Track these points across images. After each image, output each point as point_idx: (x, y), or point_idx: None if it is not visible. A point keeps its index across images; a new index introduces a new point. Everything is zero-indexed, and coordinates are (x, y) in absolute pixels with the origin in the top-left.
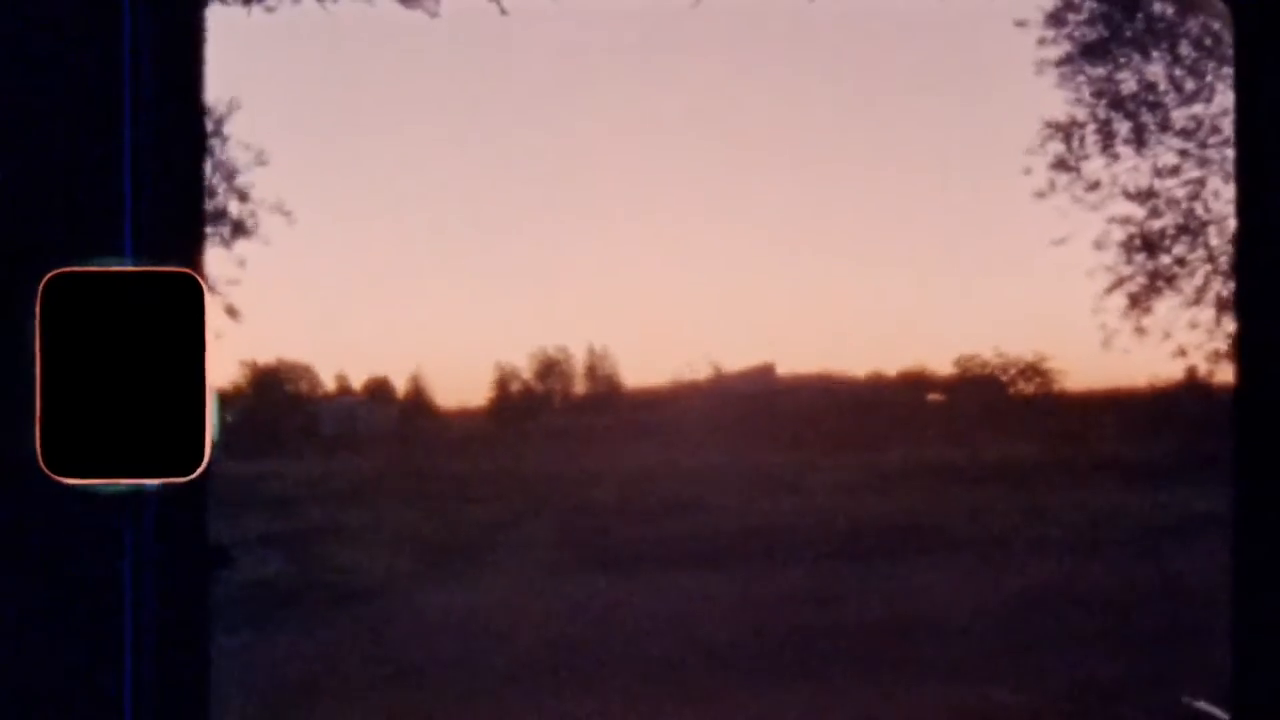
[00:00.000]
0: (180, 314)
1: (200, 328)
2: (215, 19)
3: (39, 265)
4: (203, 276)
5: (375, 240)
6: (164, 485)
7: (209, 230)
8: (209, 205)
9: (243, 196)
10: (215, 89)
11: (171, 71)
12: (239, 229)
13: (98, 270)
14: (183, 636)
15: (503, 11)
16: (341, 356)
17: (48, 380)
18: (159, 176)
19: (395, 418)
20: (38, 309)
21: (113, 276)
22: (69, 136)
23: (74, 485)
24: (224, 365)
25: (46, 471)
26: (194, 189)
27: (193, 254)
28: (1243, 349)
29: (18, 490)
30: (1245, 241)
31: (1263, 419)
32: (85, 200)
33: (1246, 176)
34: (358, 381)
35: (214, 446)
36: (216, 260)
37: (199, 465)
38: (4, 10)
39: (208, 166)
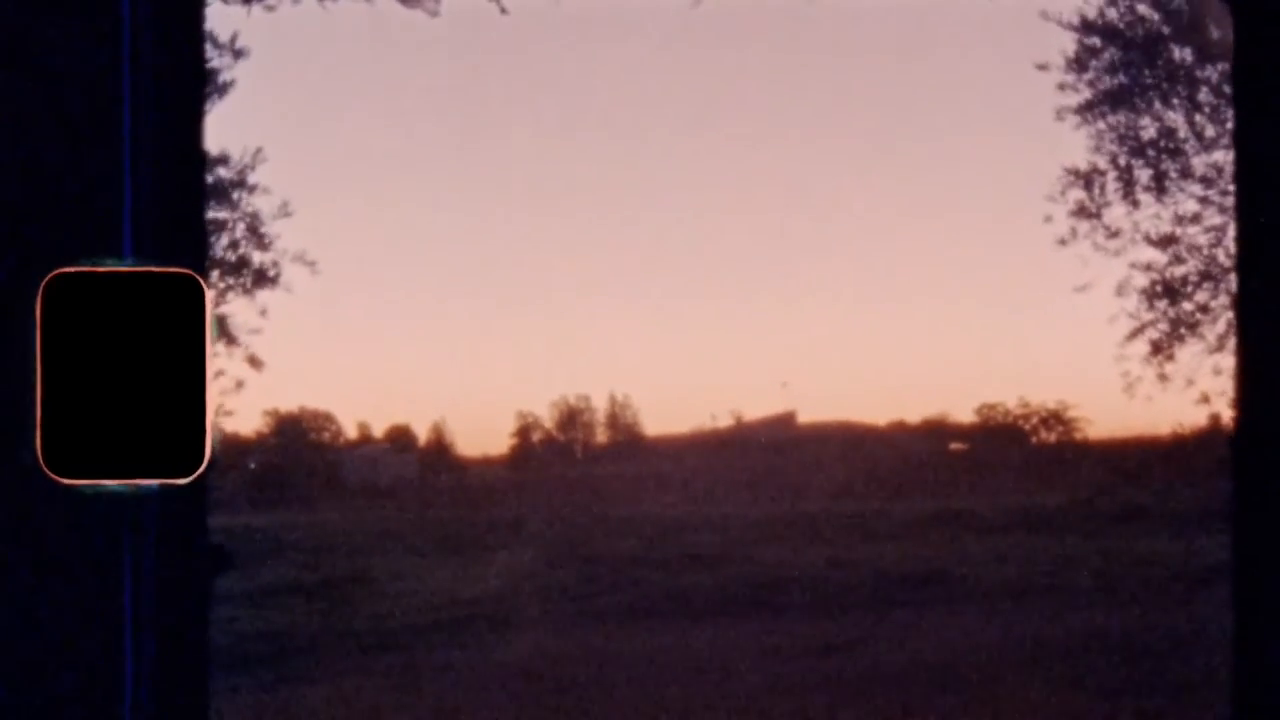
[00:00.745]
0: (181, 314)
1: (201, 328)
2: (244, 71)
3: (39, 265)
4: (204, 277)
5: (398, 290)
6: (164, 486)
7: (232, 280)
8: (232, 255)
9: (265, 245)
10: (240, 140)
11: (171, 71)
12: (261, 278)
13: (98, 270)
14: (182, 636)
15: (503, 11)
16: (364, 405)
17: (48, 381)
18: (159, 177)
19: (417, 466)
20: (38, 309)
21: (113, 276)
22: (69, 137)
23: (74, 486)
24: (248, 414)
25: (47, 472)
26: (194, 190)
27: (194, 254)
28: (1243, 357)
29: (18, 491)
30: (1246, 241)
31: (1263, 458)
32: (85, 200)
33: (1247, 176)
34: (380, 429)
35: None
36: (240, 309)
37: (199, 466)
38: (4, 12)
39: (232, 216)
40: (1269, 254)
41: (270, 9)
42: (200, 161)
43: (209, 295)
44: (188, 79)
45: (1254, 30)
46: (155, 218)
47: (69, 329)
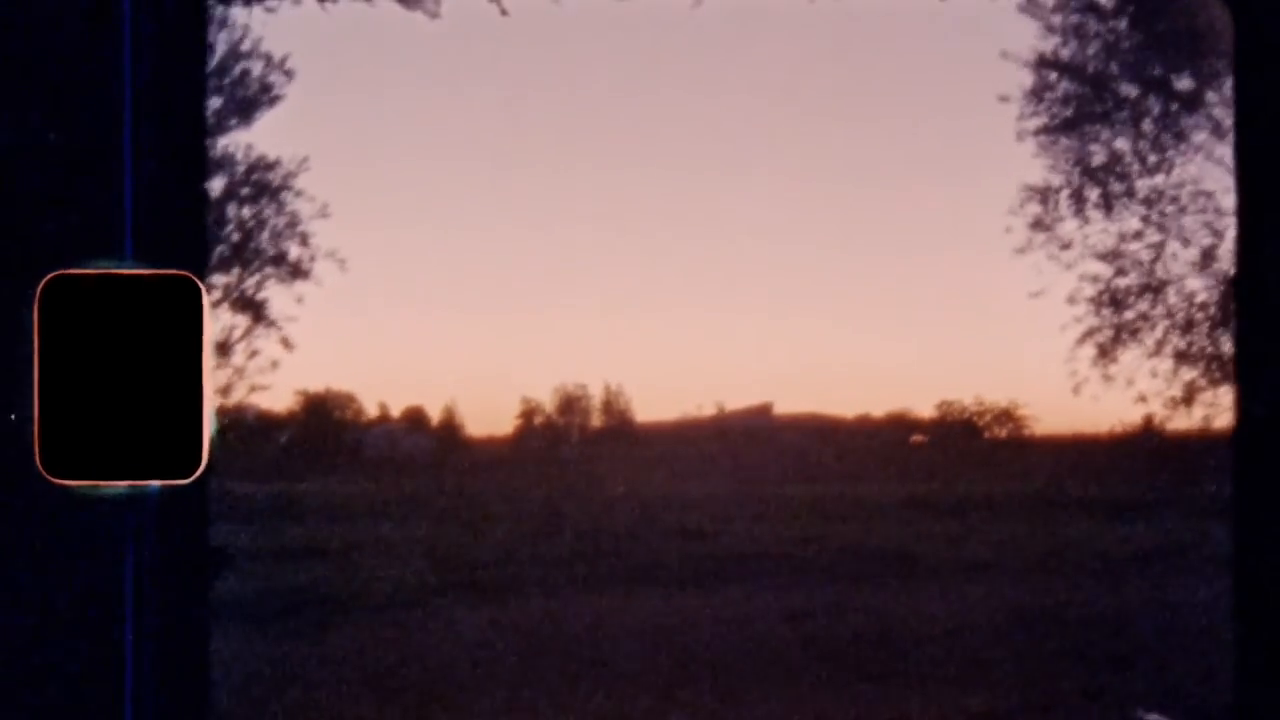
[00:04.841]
0: (179, 316)
1: (199, 330)
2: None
3: (38, 267)
4: (202, 279)
5: (415, 283)
6: (163, 488)
7: (271, 271)
8: (272, 249)
9: (304, 242)
10: (286, 146)
11: (172, 70)
12: (297, 271)
13: (96, 272)
14: (183, 637)
15: (503, 12)
16: (383, 387)
17: (46, 382)
18: (159, 178)
19: (430, 444)
20: (36, 311)
21: (111, 278)
22: (69, 137)
23: (73, 488)
24: (280, 393)
25: (45, 474)
26: (194, 191)
27: (193, 257)
28: (1242, 366)
29: (17, 492)
30: (1247, 241)
31: (1261, 447)
32: (84, 202)
33: (1247, 176)
34: (397, 410)
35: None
36: (277, 297)
37: (198, 467)
38: (4, 11)
39: (276, 215)
40: (1268, 254)
41: (270, 10)
42: (201, 162)
43: (206, 297)
44: (189, 79)
45: (1254, 30)
46: (155, 219)
47: (67, 331)
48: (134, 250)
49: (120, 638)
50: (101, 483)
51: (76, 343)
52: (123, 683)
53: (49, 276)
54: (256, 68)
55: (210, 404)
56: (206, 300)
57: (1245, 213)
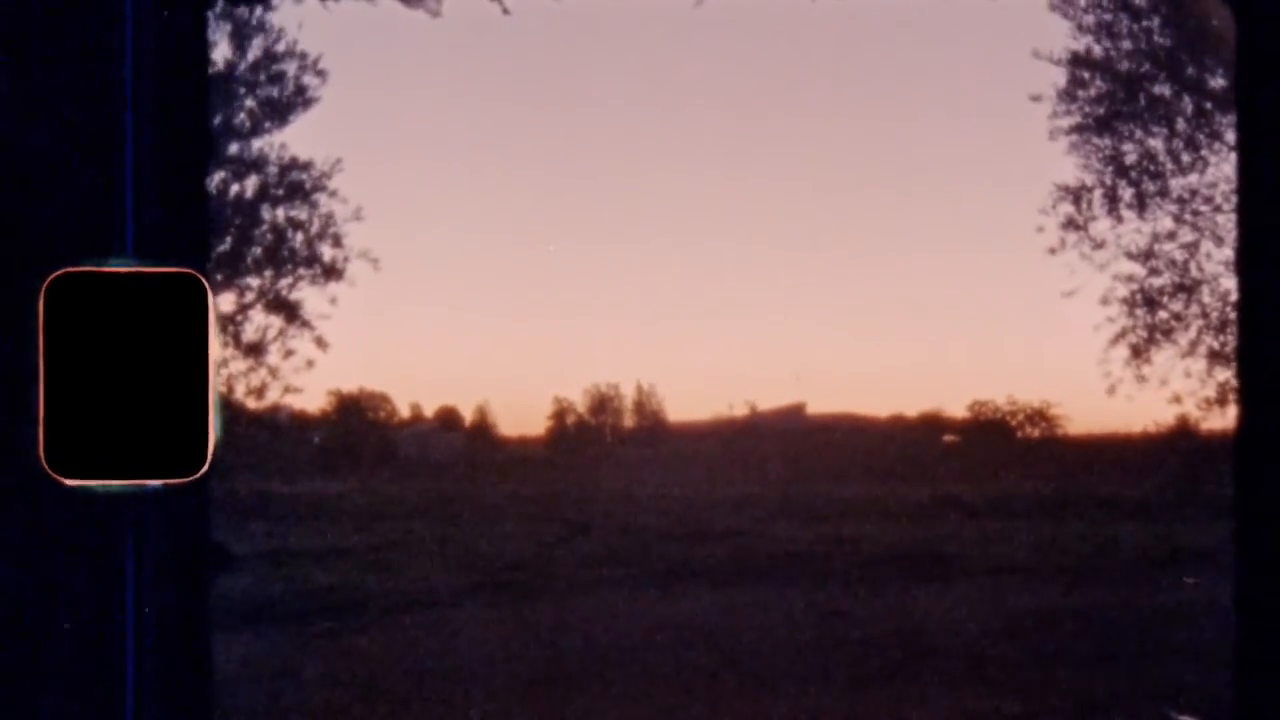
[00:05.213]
0: (183, 314)
1: (203, 328)
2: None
3: (42, 266)
4: (205, 277)
5: (449, 285)
6: (166, 486)
7: (304, 273)
8: (305, 250)
9: (338, 243)
10: (321, 149)
11: (174, 71)
12: (331, 271)
13: (101, 270)
14: (184, 635)
15: (505, 11)
16: (416, 387)
17: (51, 380)
18: (162, 177)
19: (463, 444)
20: (41, 309)
21: (116, 277)
22: (71, 137)
23: (77, 485)
24: (315, 394)
25: (49, 472)
26: (196, 189)
27: (196, 254)
28: (1243, 360)
29: (20, 490)
30: (1248, 242)
31: (1263, 454)
32: (88, 200)
33: (1248, 176)
34: (430, 410)
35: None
36: (311, 296)
37: (202, 466)
38: (5, 11)
39: (310, 216)
40: (1270, 254)
41: (271, 9)
42: (203, 161)
43: (211, 295)
44: (190, 78)
45: (1254, 30)
46: (158, 219)
47: (72, 329)
48: (136, 248)
49: (123, 636)
50: (106, 481)
51: (81, 340)
52: (125, 681)
53: (54, 275)
54: (291, 68)
55: (215, 402)
56: (211, 298)
57: (1246, 213)
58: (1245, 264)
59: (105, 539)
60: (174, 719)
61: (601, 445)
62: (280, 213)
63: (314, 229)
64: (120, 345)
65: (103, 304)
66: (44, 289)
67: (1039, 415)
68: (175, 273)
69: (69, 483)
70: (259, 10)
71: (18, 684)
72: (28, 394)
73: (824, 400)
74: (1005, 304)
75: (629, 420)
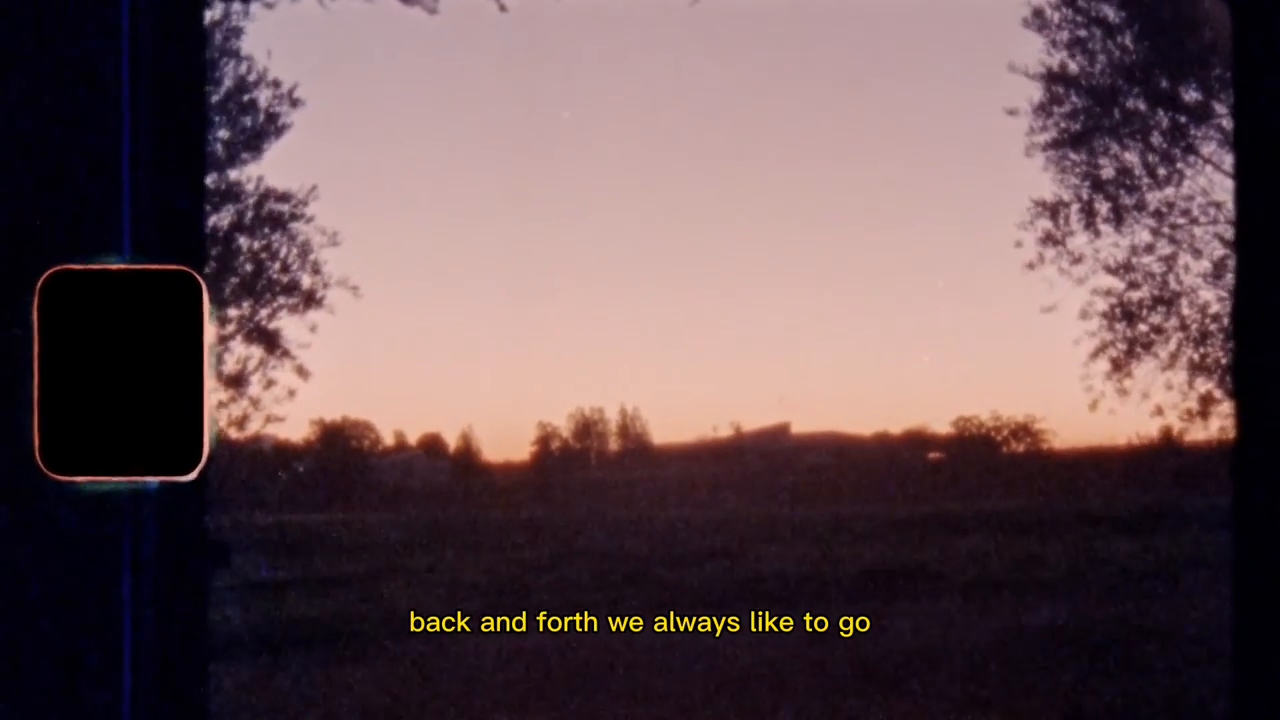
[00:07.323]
0: (179, 312)
1: (199, 326)
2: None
3: (37, 262)
4: (201, 274)
5: (430, 310)
6: (163, 484)
7: (283, 300)
8: (283, 279)
9: (316, 270)
10: (296, 176)
11: (171, 69)
12: (310, 299)
13: (96, 268)
14: (182, 635)
15: (502, 9)
16: (399, 415)
17: (46, 378)
18: (158, 175)
19: (447, 471)
20: (35, 307)
21: (111, 274)
22: (68, 135)
23: (73, 484)
24: (297, 423)
25: (45, 470)
26: (193, 187)
27: (193, 253)
28: (1240, 369)
29: (17, 489)
30: (1246, 241)
31: (1262, 462)
32: (84, 198)
33: (1245, 175)
34: (414, 437)
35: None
36: (290, 325)
37: (198, 464)
38: (4, 10)
39: (286, 245)
40: (1267, 256)
41: (269, 7)
42: (201, 160)
43: (206, 293)
44: (189, 77)
45: (1254, 30)
46: (155, 215)
47: (67, 327)
48: (133, 246)
49: (119, 635)
50: (102, 479)
51: (76, 338)
52: (122, 680)
53: (48, 272)
54: (264, 97)
55: (210, 400)
56: (206, 295)
57: (1244, 214)
58: (1242, 266)
59: (101, 536)
60: (172, 717)
61: (586, 469)
62: (256, 242)
63: (290, 257)
64: (116, 343)
65: (98, 301)
66: (39, 286)
67: (1023, 430)
68: (171, 270)
69: (65, 480)
70: (232, 41)
71: (13, 683)
72: (24, 392)
73: (808, 420)
74: (987, 320)
75: (614, 443)
